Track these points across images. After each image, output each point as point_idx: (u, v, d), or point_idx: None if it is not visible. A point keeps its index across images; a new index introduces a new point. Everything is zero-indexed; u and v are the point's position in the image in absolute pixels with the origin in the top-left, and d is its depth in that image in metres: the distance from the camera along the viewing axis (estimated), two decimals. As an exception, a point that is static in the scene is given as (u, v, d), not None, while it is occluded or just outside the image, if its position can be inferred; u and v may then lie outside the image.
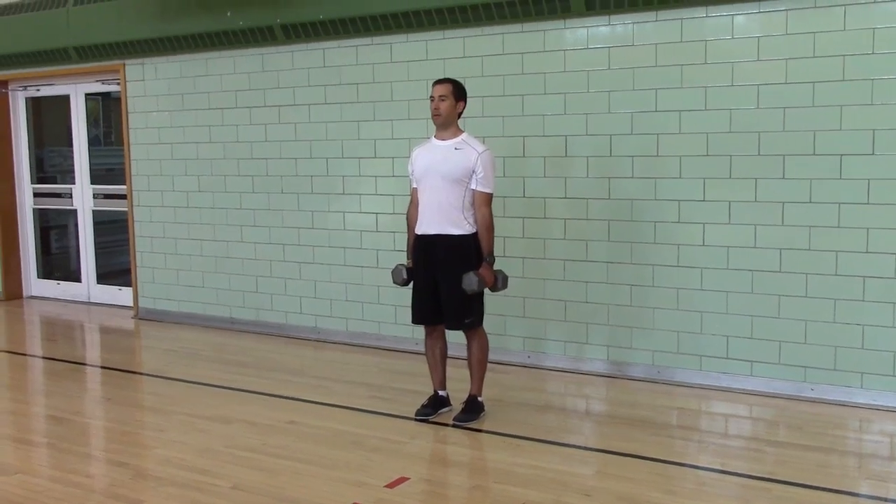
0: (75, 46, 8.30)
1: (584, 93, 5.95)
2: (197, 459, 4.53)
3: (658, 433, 4.88)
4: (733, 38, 5.46)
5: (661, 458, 4.48)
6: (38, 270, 9.77)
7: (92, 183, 9.15)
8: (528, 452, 4.58)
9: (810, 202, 5.31)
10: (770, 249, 5.46)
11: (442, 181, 4.91)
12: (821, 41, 5.21)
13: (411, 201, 5.18)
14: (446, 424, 5.05)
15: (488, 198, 4.95)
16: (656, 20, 5.67)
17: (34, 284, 9.77)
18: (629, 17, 5.75)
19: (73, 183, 9.27)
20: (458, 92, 5.00)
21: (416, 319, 5.17)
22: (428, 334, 5.20)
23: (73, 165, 9.24)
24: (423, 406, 5.18)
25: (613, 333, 6.03)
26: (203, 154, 7.86)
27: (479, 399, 5.14)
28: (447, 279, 4.92)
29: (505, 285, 5.13)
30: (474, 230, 4.96)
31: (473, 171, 4.88)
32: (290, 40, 7.12)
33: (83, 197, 9.22)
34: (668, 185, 5.74)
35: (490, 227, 4.94)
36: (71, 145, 9.22)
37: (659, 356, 5.88)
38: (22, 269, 9.71)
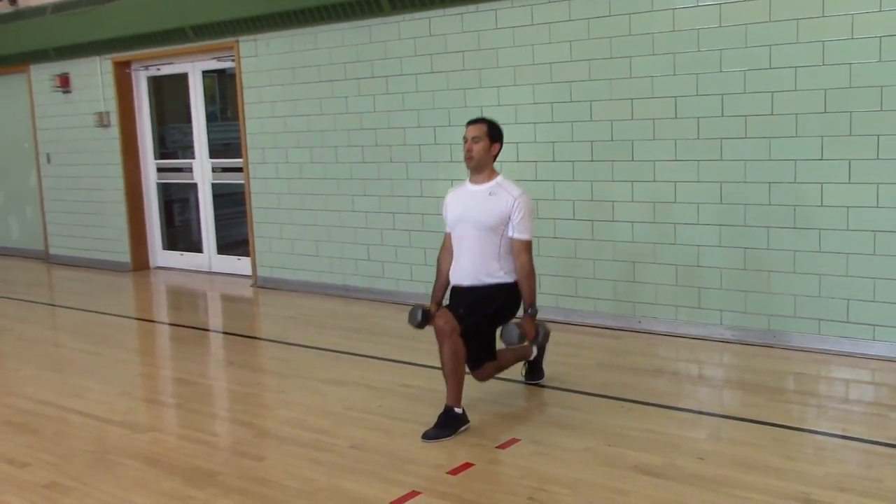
0: (192, 26, 8.60)
1: (694, 52, 5.81)
2: (316, 420, 4.71)
3: (775, 398, 4.78)
4: (853, -12, 5.22)
5: (779, 422, 4.39)
6: (162, 242, 10.25)
7: (210, 157, 9.50)
8: (640, 416, 4.57)
9: (938, 158, 5.07)
10: (893, 209, 5.24)
11: (476, 230, 4.59)
12: (950, -13, 4.93)
13: (443, 245, 4.87)
14: (555, 388, 5.07)
15: (527, 245, 4.59)
16: (770, -27, 5.47)
17: (160, 255, 10.26)
18: (741, -28, 5.57)
19: (193, 158, 9.65)
20: (493, 133, 4.64)
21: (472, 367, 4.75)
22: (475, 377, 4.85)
23: (192, 141, 9.62)
24: (527, 372, 5.19)
25: (727, 297, 5.92)
26: (314, 126, 8.05)
27: (457, 410, 4.48)
28: (465, 306, 4.52)
29: (546, 339, 4.91)
30: (511, 279, 4.62)
31: (510, 218, 4.55)
32: (396, 11, 7.19)
33: (203, 171, 9.59)
34: (784, 145, 5.56)
35: (531, 275, 4.57)
36: (190, 121, 9.59)
37: (775, 320, 5.74)
38: (148, 241, 10.20)
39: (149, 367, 6.26)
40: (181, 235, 10.33)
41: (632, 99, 6.11)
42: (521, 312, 4.70)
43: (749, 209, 5.75)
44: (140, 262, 10.13)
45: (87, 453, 4.37)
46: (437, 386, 5.09)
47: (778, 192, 5.62)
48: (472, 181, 4.74)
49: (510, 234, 4.60)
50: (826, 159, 5.42)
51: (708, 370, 5.59)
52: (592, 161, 6.32)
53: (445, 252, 4.85)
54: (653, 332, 6.18)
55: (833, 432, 4.27)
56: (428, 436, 4.35)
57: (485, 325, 4.62)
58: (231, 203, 9.43)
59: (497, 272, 4.62)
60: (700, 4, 5.76)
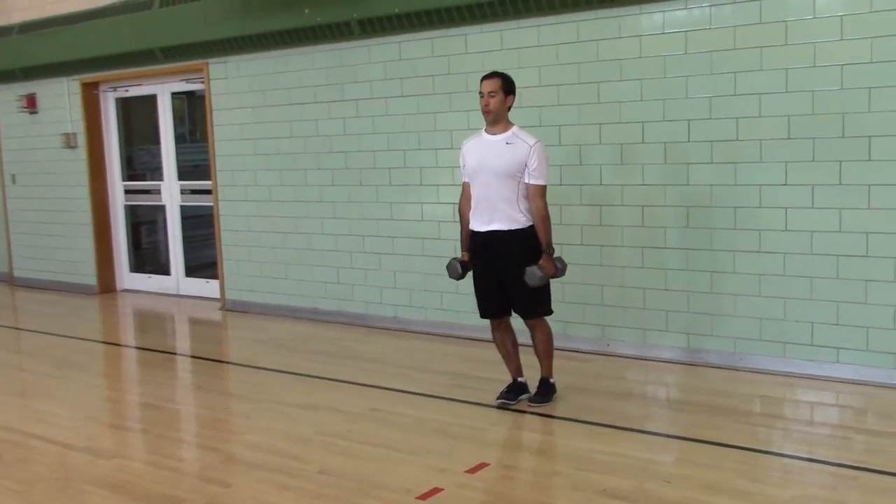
0: (161, 47, 8.57)
1: (661, 78, 5.89)
2: (285, 445, 4.67)
3: (741, 421, 4.82)
4: (815, 17, 5.33)
5: (745, 445, 4.43)
6: (129, 264, 10.15)
7: (179, 179, 9.45)
8: (608, 439, 4.59)
9: (898, 184, 5.17)
10: (856, 233, 5.33)
11: (495, 176, 4.92)
12: (908, 18, 5.06)
13: (463, 194, 5.20)
14: (526, 412, 5.09)
15: (542, 190, 4.93)
16: (734, 2, 5.58)
17: (126, 278, 10.16)
18: (706, 0, 5.67)
19: (162, 179, 9.59)
20: (508, 86, 4.97)
21: (485, 314, 5.21)
22: (495, 327, 5.22)
23: (160, 162, 9.56)
24: (503, 393, 5.23)
25: (693, 321, 5.97)
26: (284, 149, 8.05)
27: (552, 381, 5.23)
28: (512, 274, 4.94)
29: (564, 272, 5.13)
30: (530, 223, 4.95)
31: (526, 165, 4.88)
32: (367, 35, 7.23)
33: (171, 193, 9.53)
34: (749, 170, 5.64)
35: (546, 219, 4.93)
36: (158, 143, 9.54)
37: (741, 343, 5.80)
38: (115, 264, 10.10)
39: (114, 391, 6.19)
40: (149, 258, 10.25)
41: (600, 124, 6.18)
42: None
43: (715, 233, 5.82)
44: (106, 284, 10.02)
45: (51, 480, 4.30)
46: (406, 410, 5.10)
47: (743, 217, 5.70)
48: (488, 131, 5.05)
49: (526, 179, 4.90)
50: (790, 185, 5.51)
51: (675, 393, 5.63)
52: (561, 185, 6.36)
53: (466, 200, 5.16)
54: (621, 356, 6.22)
55: (798, 455, 4.32)
56: (533, 401, 5.11)
57: (544, 291, 5.04)
58: (199, 225, 9.37)
59: (517, 215, 4.93)
60: (666, 32, 5.85)
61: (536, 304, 5.03)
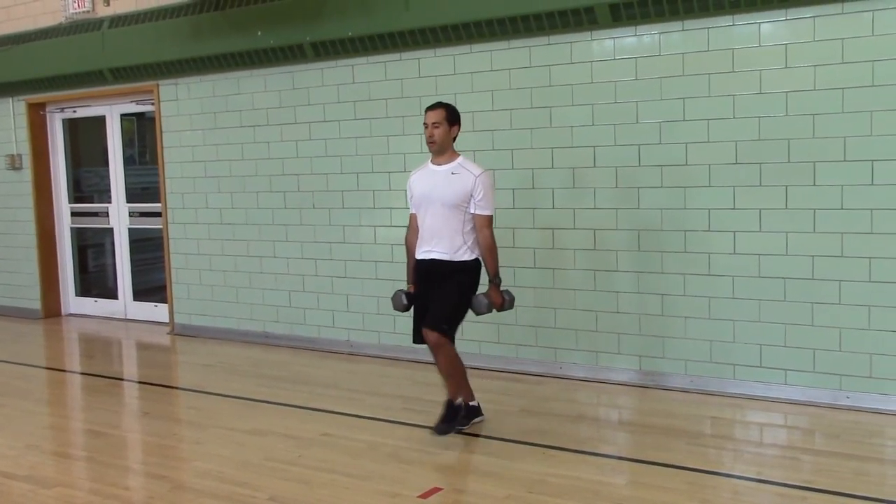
0: (110, 68, 8.46)
1: (612, 104, 5.97)
2: (234, 472, 4.59)
3: (692, 442, 4.86)
4: (761, 45, 5.45)
5: (696, 467, 4.46)
6: (75, 288, 9.94)
7: (127, 201, 9.31)
8: (561, 462, 4.59)
9: (842, 208, 5.29)
10: (802, 257, 5.43)
11: (441, 207, 4.90)
12: (849, 47, 5.19)
13: (410, 227, 5.18)
14: (479, 435, 5.07)
15: (489, 220, 4.93)
16: (683, 30, 5.69)
17: (72, 302, 9.94)
18: (655, 28, 5.77)
19: (110, 202, 9.44)
20: (452, 116, 4.96)
21: (417, 340, 5.08)
22: (432, 351, 5.05)
23: (109, 185, 9.41)
24: (465, 415, 5.17)
25: (645, 343, 6.02)
26: (236, 171, 7.98)
27: (473, 403, 5.11)
28: (439, 289, 4.90)
29: (512, 304, 5.10)
30: (475, 256, 4.95)
31: (472, 195, 4.86)
32: (320, 57, 7.22)
33: (119, 215, 9.38)
34: (698, 194, 5.73)
35: (493, 249, 4.93)
36: (107, 165, 9.39)
37: (691, 365, 5.86)
38: (60, 287, 9.89)
39: (57, 418, 6.03)
40: (95, 281, 10.05)
41: (552, 148, 6.23)
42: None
43: (666, 256, 5.89)
44: (51, 308, 9.80)
45: (-11, 511, 4.16)
46: (358, 435, 5.04)
47: (693, 240, 5.78)
48: (434, 162, 5.03)
49: (472, 210, 4.90)
50: (738, 208, 5.61)
51: (627, 415, 5.65)
52: (514, 208, 6.41)
53: (412, 233, 5.14)
54: (573, 378, 6.24)
55: (748, 475, 4.36)
56: (440, 429, 4.91)
57: (460, 313, 4.96)
58: (148, 248, 9.23)
59: (462, 247, 4.91)
60: (617, 58, 5.94)
61: (441, 317, 4.86)
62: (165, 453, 5.06)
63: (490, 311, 4.95)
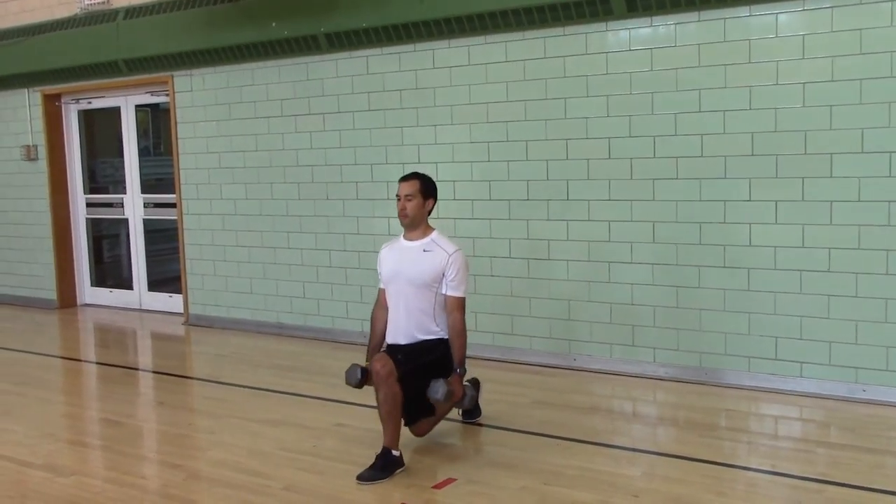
0: (125, 59, 8.48)
1: (627, 95, 5.94)
2: (249, 461, 4.61)
3: (707, 435, 4.85)
4: (777, 36, 5.41)
5: (711, 459, 4.45)
6: (91, 279, 10.00)
7: (142, 192, 9.34)
8: (575, 454, 4.58)
9: (859, 200, 5.25)
10: (819, 249, 5.40)
11: (410, 286, 4.58)
12: (867, 37, 5.15)
13: (377, 302, 4.85)
14: (493, 426, 5.06)
15: (460, 302, 4.58)
16: (699, 20, 5.65)
17: (87, 292, 9.99)
18: (671, 18, 5.74)
19: (125, 193, 9.47)
20: (427, 189, 4.64)
21: (408, 423, 4.67)
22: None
23: (123, 176, 9.44)
24: (464, 412, 5.15)
25: (659, 335, 6.00)
26: (250, 162, 7.99)
27: (395, 453, 4.37)
28: (403, 354, 4.50)
29: (471, 404, 4.82)
30: (446, 335, 4.61)
31: (444, 275, 4.56)
32: (334, 49, 7.21)
33: (134, 206, 9.41)
34: (713, 186, 5.70)
35: (462, 333, 4.55)
36: (122, 156, 9.43)
37: (706, 358, 5.84)
38: (76, 278, 9.94)
39: (74, 407, 6.07)
40: (111, 272, 10.10)
41: (567, 139, 6.21)
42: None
43: (681, 248, 5.86)
44: (67, 299, 9.85)
45: (6, 499, 4.19)
46: (373, 426, 5.04)
47: (708, 232, 5.75)
48: (406, 237, 4.73)
49: (444, 291, 4.59)
50: (754, 200, 5.57)
51: (642, 407, 5.64)
52: (528, 200, 6.39)
53: (380, 308, 4.81)
54: (588, 370, 6.23)
55: (763, 468, 4.34)
56: (363, 477, 4.24)
57: (420, 375, 4.47)
58: (163, 239, 9.26)
59: (432, 329, 4.61)
60: (632, 49, 5.90)
61: (403, 359, 4.42)
62: (180, 443, 5.09)
63: (446, 400, 4.46)
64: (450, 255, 4.58)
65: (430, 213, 4.73)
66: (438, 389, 4.43)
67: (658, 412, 5.46)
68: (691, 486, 4.09)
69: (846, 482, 4.10)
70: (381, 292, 4.82)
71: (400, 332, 4.64)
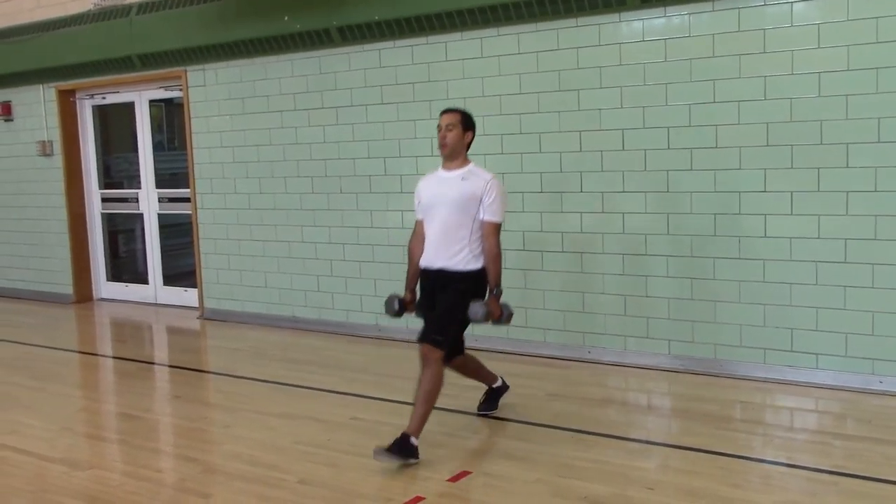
0: (139, 54, 8.51)
1: (641, 86, 5.91)
2: (264, 455, 4.63)
3: (722, 427, 4.83)
4: (792, 25, 5.37)
5: (726, 451, 4.44)
6: (106, 273, 10.06)
7: (157, 187, 9.38)
8: (590, 446, 4.58)
9: (875, 191, 5.21)
10: (834, 240, 5.36)
11: (449, 212, 4.69)
12: (883, 26, 5.10)
13: (415, 232, 4.95)
14: (507, 419, 5.07)
15: (496, 227, 4.71)
16: (713, 10, 5.61)
17: (103, 287, 10.06)
18: (685, 8, 5.70)
19: (139, 188, 9.52)
20: (467, 122, 4.79)
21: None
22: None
23: (138, 170, 9.48)
24: (482, 402, 5.20)
25: (674, 327, 5.98)
26: (263, 157, 8.01)
27: (413, 441, 4.41)
28: (441, 297, 4.67)
29: (509, 320, 4.85)
30: (480, 265, 4.70)
31: (481, 200, 4.67)
32: (346, 42, 7.21)
33: (149, 201, 9.46)
34: (728, 177, 5.67)
35: (498, 258, 4.70)
36: (136, 151, 9.47)
37: (721, 350, 5.82)
38: (92, 273, 10.00)
39: (91, 401, 6.11)
40: (126, 266, 10.16)
41: (580, 131, 6.19)
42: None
43: (695, 240, 5.84)
44: (83, 293, 9.92)
45: (26, 493, 4.23)
46: (387, 419, 5.06)
47: (723, 224, 5.72)
48: (444, 168, 4.86)
49: (481, 216, 4.70)
50: (769, 191, 5.54)
51: (656, 400, 5.63)
52: (542, 192, 6.38)
53: (417, 239, 4.93)
54: (602, 362, 6.22)
55: (778, 460, 4.33)
56: (378, 452, 4.32)
57: (457, 324, 4.69)
58: (178, 233, 9.30)
59: (466, 255, 4.70)
60: (646, 39, 5.87)
61: (438, 327, 4.57)
62: (196, 436, 5.12)
63: (486, 320, 4.63)
64: (487, 182, 4.70)
65: (468, 146, 4.84)
66: (478, 311, 4.59)
67: (672, 404, 5.45)
68: (706, 479, 4.08)
69: (862, 474, 4.08)
70: (419, 224, 4.93)
71: (438, 256, 4.75)
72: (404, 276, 7.09)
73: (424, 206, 4.86)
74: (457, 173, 4.77)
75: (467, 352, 5.07)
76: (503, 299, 4.74)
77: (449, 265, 4.71)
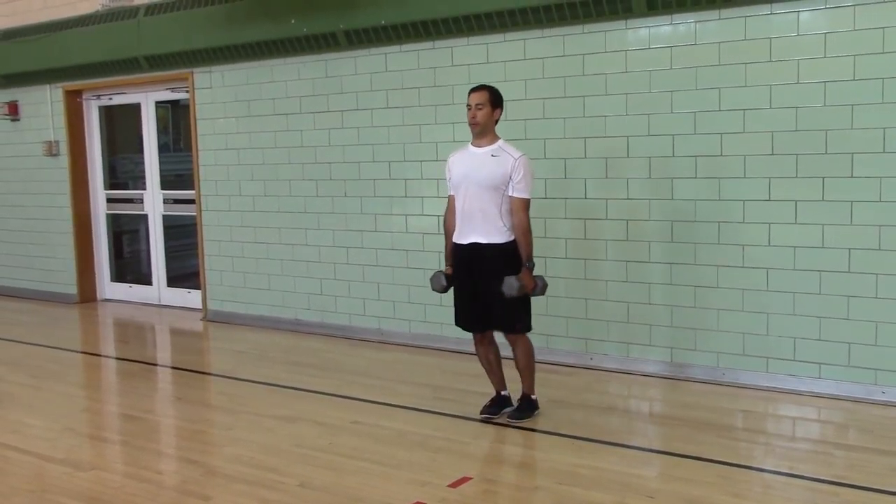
0: (146, 56, 8.53)
1: (646, 93, 5.92)
2: (265, 458, 4.63)
3: (723, 435, 4.82)
4: (799, 34, 5.37)
5: (727, 460, 4.43)
6: (111, 274, 10.07)
7: (162, 188, 9.40)
8: (590, 454, 4.58)
9: (880, 201, 5.20)
10: (838, 249, 5.36)
11: (479, 188, 4.89)
12: (890, 36, 5.10)
13: (448, 207, 5.18)
14: (509, 425, 5.07)
15: (525, 203, 4.91)
16: (719, 18, 5.61)
17: (107, 287, 10.07)
18: (691, 16, 5.71)
19: (144, 189, 9.53)
20: (495, 99, 4.97)
21: (462, 325, 5.20)
22: (478, 342, 5.20)
23: (143, 172, 9.50)
24: (486, 406, 5.21)
25: (676, 335, 5.98)
26: (268, 159, 8.02)
27: (533, 397, 5.18)
28: (491, 287, 4.89)
29: (543, 291, 5.07)
30: (512, 237, 4.92)
31: (510, 177, 4.85)
32: (353, 46, 7.22)
33: (154, 202, 9.47)
34: (733, 185, 5.66)
35: (528, 232, 4.92)
36: (142, 152, 9.49)
37: (724, 358, 5.81)
38: (96, 273, 10.02)
39: (93, 402, 6.12)
40: (130, 267, 10.17)
41: (585, 138, 6.19)
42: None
43: (699, 248, 5.83)
44: (87, 293, 9.94)
45: (27, 493, 4.23)
46: (388, 423, 5.06)
47: (727, 232, 5.72)
48: (474, 144, 5.03)
49: (510, 192, 4.88)
50: (773, 200, 5.54)
51: (657, 407, 5.62)
52: (546, 198, 6.37)
53: (451, 214, 5.13)
54: (604, 369, 6.21)
55: (780, 470, 4.32)
56: (512, 417, 5.07)
57: (526, 305, 5.02)
58: (182, 235, 9.32)
59: (501, 229, 4.90)
60: (652, 47, 5.88)
61: (515, 320, 4.99)
62: (198, 438, 5.12)
63: (521, 293, 4.86)
64: (516, 160, 4.86)
65: (497, 122, 5.02)
66: (513, 284, 4.80)
67: (674, 412, 5.44)
68: (707, 488, 4.07)
69: (863, 485, 4.07)
70: (451, 199, 5.13)
71: (470, 232, 4.96)
72: (407, 280, 7.17)
73: (455, 182, 5.06)
74: (487, 149, 4.95)
75: (495, 349, 5.25)
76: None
77: (481, 240, 4.92)
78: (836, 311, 5.40)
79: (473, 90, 4.99)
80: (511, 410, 5.15)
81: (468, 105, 4.96)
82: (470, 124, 4.98)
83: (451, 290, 5.20)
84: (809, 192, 5.41)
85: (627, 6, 5.82)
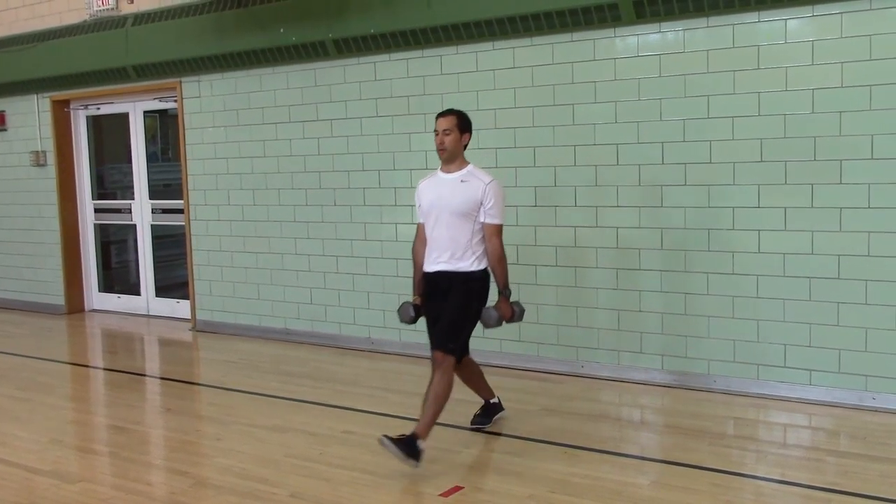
0: (134, 65, 8.50)
1: (635, 101, 5.93)
2: (255, 468, 4.60)
3: (715, 443, 4.82)
4: (786, 42, 5.39)
5: (719, 468, 4.42)
6: (99, 284, 10.01)
7: (150, 198, 9.36)
8: (583, 462, 4.56)
9: (869, 207, 5.22)
10: (828, 256, 5.37)
11: (451, 216, 4.73)
12: (877, 43, 5.13)
13: (417, 236, 5.00)
14: (500, 434, 5.05)
15: (498, 229, 4.76)
16: (707, 26, 5.63)
17: (95, 298, 10.01)
18: (680, 24, 5.73)
19: (133, 198, 9.49)
20: (463, 124, 4.83)
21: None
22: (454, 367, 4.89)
23: (132, 181, 9.46)
24: (476, 415, 5.19)
25: (668, 343, 5.98)
26: (258, 168, 8.00)
27: (420, 445, 4.41)
28: (448, 303, 4.72)
29: (521, 317, 4.95)
30: (482, 267, 4.77)
31: (481, 203, 4.71)
32: (342, 55, 7.22)
33: (142, 212, 9.43)
34: (722, 193, 5.68)
35: (502, 259, 4.76)
36: (130, 162, 9.45)
37: (715, 365, 5.81)
38: (84, 283, 9.96)
39: (81, 413, 6.07)
40: (118, 277, 10.11)
41: (574, 145, 6.20)
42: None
43: (689, 255, 5.84)
44: (75, 304, 9.88)
45: (14, 505, 4.19)
46: (379, 433, 5.02)
47: (717, 239, 5.73)
48: (443, 170, 4.89)
49: (482, 219, 4.74)
50: (763, 207, 5.55)
51: (649, 415, 5.61)
52: (536, 206, 6.38)
53: (420, 242, 4.97)
54: (595, 377, 6.20)
55: (771, 477, 4.32)
56: (385, 441, 4.35)
57: (467, 328, 4.79)
58: (171, 245, 9.28)
59: (470, 258, 4.75)
60: (641, 55, 5.89)
61: (450, 339, 4.64)
62: (187, 449, 5.09)
63: (500, 324, 4.78)
64: (486, 185, 4.73)
65: (465, 147, 4.88)
66: (492, 316, 4.73)
67: (666, 420, 5.43)
68: (699, 495, 4.06)
69: (855, 491, 4.07)
70: (420, 227, 4.98)
71: (440, 260, 4.80)
72: (397, 288, 7.15)
73: (425, 210, 4.90)
74: (456, 175, 4.82)
75: (473, 361, 5.12)
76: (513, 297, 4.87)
77: (451, 268, 4.76)
78: (826, 317, 5.41)
79: (441, 115, 4.85)
80: (396, 443, 4.37)
81: (435, 130, 4.80)
82: (438, 150, 4.81)
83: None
84: (798, 198, 5.43)
85: (616, 14, 5.83)
